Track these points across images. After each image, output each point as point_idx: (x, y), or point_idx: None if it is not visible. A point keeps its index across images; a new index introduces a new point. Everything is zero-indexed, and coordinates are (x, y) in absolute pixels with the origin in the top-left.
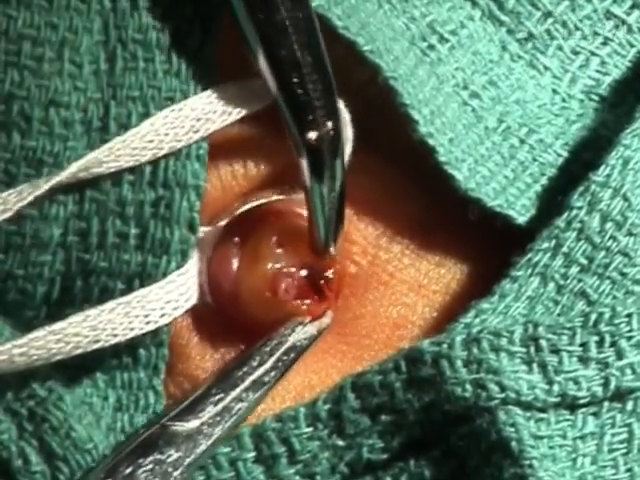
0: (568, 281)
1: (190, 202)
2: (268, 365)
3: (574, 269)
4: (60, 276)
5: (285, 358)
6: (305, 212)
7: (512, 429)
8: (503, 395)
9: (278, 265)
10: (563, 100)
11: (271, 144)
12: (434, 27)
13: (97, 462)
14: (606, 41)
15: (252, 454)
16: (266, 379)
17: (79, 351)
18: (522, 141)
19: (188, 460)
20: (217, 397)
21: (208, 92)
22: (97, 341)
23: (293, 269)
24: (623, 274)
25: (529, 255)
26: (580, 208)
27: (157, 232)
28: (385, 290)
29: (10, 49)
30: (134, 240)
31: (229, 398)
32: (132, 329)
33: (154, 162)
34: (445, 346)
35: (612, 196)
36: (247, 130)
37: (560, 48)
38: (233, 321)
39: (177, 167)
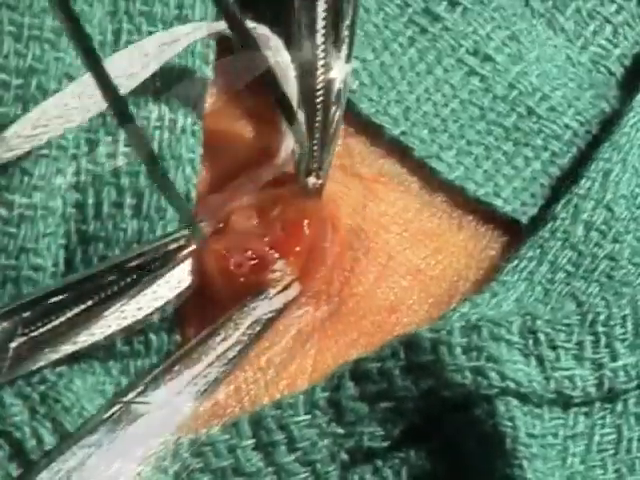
0: (555, 285)
1: (185, 175)
2: (232, 340)
3: (560, 274)
4: (63, 248)
5: (250, 332)
6: None
7: (510, 423)
8: (504, 384)
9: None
10: (573, 65)
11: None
12: None
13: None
14: (619, 9)
15: (251, 441)
16: (230, 354)
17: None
18: (530, 110)
19: (151, 437)
20: (178, 373)
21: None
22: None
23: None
24: (610, 277)
25: (515, 262)
26: (564, 219)
27: (152, 200)
28: (383, 270)
29: (34, 23)
30: (129, 210)
31: (191, 374)
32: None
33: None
34: (444, 332)
35: (594, 207)
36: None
37: (578, 10)
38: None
39: (172, 140)
